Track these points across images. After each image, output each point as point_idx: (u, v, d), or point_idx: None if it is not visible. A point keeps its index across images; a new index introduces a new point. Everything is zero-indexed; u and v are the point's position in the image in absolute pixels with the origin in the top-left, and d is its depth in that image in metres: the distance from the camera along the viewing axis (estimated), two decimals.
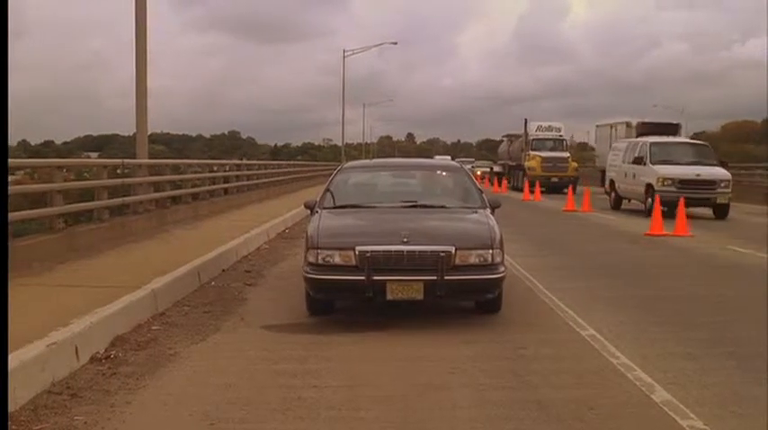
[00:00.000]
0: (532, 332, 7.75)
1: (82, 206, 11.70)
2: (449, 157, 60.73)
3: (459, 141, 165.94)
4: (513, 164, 47.39)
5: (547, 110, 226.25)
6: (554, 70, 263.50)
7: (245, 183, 23.83)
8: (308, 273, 7.90)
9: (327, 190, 9.55)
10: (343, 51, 64.62)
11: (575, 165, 42.51)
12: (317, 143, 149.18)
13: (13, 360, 5.32)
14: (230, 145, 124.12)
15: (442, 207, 9.16)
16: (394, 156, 75.51)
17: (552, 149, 42.77)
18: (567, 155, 42.70)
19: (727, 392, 5.81)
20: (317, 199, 9.52)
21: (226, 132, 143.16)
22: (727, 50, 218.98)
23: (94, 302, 7.48)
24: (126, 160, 15.24)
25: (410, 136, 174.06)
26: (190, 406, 5.43)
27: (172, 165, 17.95)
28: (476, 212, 8.90)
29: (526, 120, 45.29)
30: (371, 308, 8.37)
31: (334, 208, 9.08)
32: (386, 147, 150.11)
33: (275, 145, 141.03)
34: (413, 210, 8.96)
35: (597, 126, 41.67)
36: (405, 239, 7.75)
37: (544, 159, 41.27)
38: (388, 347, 7.13)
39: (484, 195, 9.55)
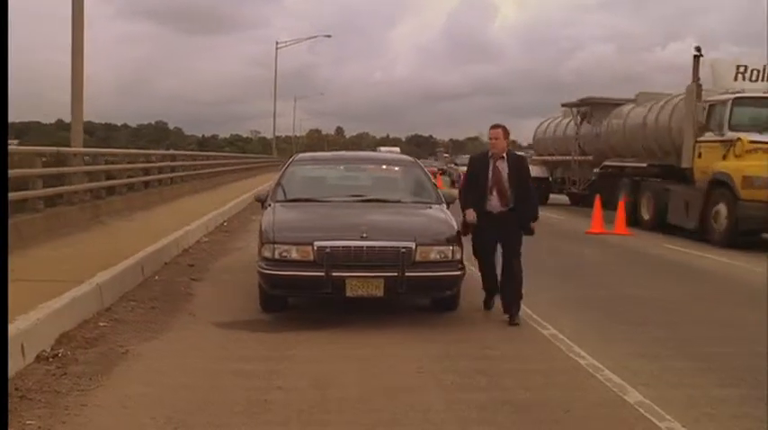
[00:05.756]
0: (494, 330, 7.64)
1: (18, 195, 11.14)
2: (397, 149, 55.59)
3: (388, 136, 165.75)
4: (628, 165, 21.25)
5: (477, 107, 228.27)
6: (483, 69, 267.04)
7: (179, 174, 23.25)
8: (263, 268, 7.63)
9: (279, 183, 9.28)
10: (276, 43, 64.06)
11: None
12: (245, 135, 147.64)
13: None
14: (157, 135, 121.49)
15: (398, 202, 8.98)
16: (324, 150, 73.77)
17: None
18: None
19: (697, 393, 5.78)
20: (269, 192, 9.26)
21: (153, 122, 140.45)
22: (649, 53, 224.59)
23: (37, 297, 7.04)
24: (61, 149, 14.61)
25: (339, 130, 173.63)
26: (150, 409, 5.13)
27: (107, 155, 17.32)
28: (431, 208, 8.77)
29: (699, 51, 17.67)
30: (325, 305, 8.18)
31: (288, 201, 8.82)
32: (315, 140, 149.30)
33: (203, 136, 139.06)
34: (368, 205, 8.76)
35: None
36: (364, 235, 7.54)
37: None
38: (349, 346, 6.91)
39: (438, 190, 9.44)
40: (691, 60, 17.58)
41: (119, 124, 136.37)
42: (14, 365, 5.72)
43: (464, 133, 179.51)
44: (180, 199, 21.10)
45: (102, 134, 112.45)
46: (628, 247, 15.38)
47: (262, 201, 9.21)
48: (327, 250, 7.38)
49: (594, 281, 11.20)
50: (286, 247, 7.53)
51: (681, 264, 13.41)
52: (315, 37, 68.96)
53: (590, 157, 24.18)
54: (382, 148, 55.27)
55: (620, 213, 17.73)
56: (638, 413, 5.28)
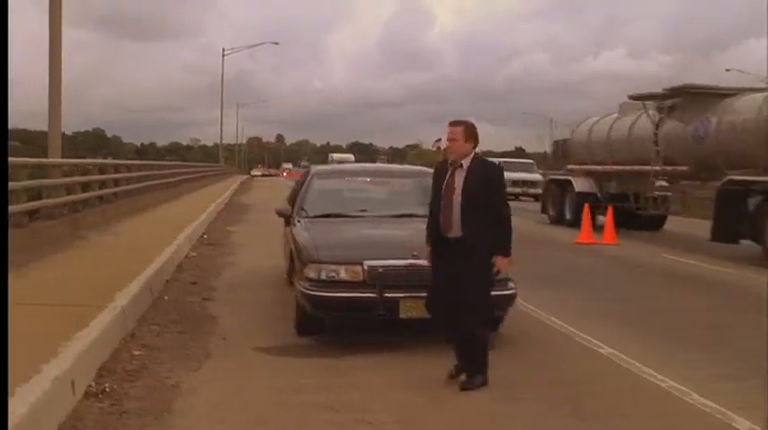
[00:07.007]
0: (550, 351, 7.28)
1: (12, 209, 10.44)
2: (351, 157, 53.39)
3: (328, 143, 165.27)
4: None
5: (415, 115, 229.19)
6: (421, 76, 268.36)
7: (146, 184, 22.46)
8: (307, 289, 7.13)
9: (302, 198, 8.84)
10: (223, 50, 63.27)
11: None
12: (185, 143, 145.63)
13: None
14: (95, 143, 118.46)
15: None
16: (263, 158, 71.52)
17: None
18: None
19: None
20: (292, 207, 8.82)
21: (90, 130, 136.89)
22: (580, 62, 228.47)
23: (65, 325, 6.45)
24: (43, 160, 13.86)
25: (280, 137, 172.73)
26: None
27: (82, 166, 16.55)
28: None
29: None
30: (361, 327, 7.73)
31: (317, 217, 8.36)
32: (255, 148, 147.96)
33: (141, 144, 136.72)
34: (404, 220, 8.34)
35: None
36: (414, 253, 7.13)
37: None
38: (411, 372, 6.46)
39: None
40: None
41: None
42: (67, 404, 5.19)
43: (404, 141, 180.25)
44: (151, 209, 20.37)
45: (37, 141, 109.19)
46: (625, 257, 15.23)
47: (285, 217, 8.77)
48: (380, 270, 6.95)
49: (613, 293, 10.99)
50: (334, 267, 7.05)
51: (689, 275, 13.28)
52: (262, 44, 68.18)
53: (683, 168, 17.96)
54: (335, 155, 52.67)
55: (609, 221, 17.46)
56: None
